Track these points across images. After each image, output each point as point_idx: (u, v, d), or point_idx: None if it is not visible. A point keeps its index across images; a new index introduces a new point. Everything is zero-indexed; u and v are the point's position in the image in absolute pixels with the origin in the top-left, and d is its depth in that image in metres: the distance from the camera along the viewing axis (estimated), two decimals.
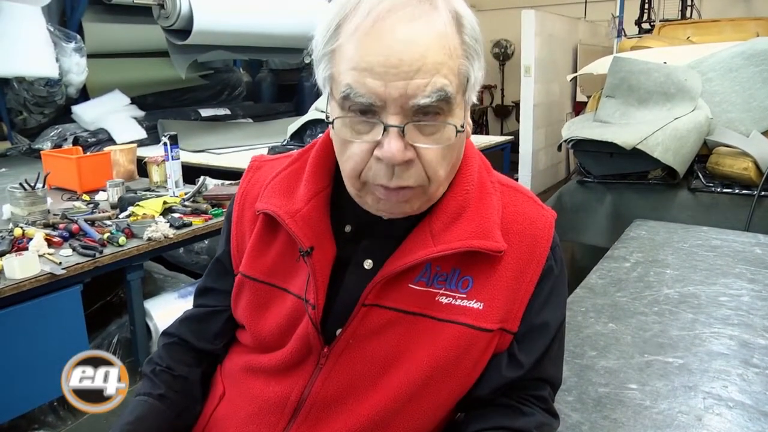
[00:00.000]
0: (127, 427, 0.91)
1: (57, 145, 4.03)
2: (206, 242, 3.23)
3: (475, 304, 0.84)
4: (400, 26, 0.72)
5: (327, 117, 0.81)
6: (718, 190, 3.34)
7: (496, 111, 10.49)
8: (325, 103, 0.83)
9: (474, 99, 0.82)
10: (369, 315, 0.85)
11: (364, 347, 0.85)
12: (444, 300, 0.85)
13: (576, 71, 7.08)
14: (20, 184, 2.42)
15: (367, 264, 0.88)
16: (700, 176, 3.45)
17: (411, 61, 0.71)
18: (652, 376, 1.33)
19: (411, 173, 0.77)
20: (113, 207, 2.63)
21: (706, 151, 3.52)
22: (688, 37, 6.04)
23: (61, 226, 2.25)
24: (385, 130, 0.74)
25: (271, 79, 6.06)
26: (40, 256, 1.98)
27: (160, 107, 4.90)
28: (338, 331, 0.86)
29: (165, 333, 1.07)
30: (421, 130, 0.76)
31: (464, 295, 0.85)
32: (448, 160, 0.80)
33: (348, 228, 0.90)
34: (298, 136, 3.61)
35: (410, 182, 0.78)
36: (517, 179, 6.33)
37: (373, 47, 0.72)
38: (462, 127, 0.79)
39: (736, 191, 3.28)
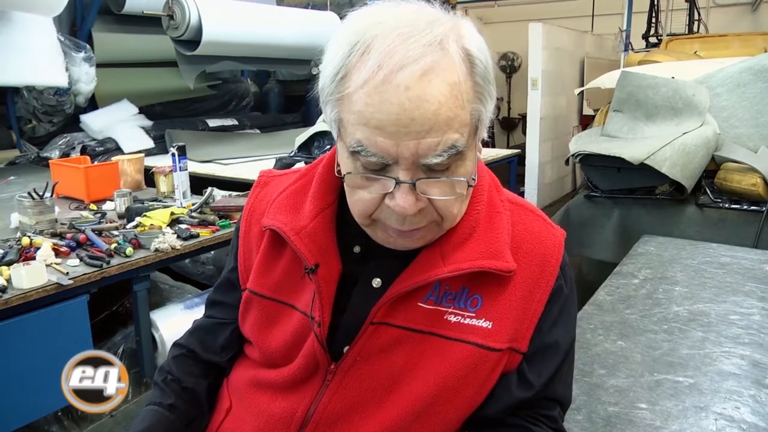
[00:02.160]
0: None
1: (65, 154, 4.05)
2: (212, 253, 3.23)
3: (483, 323, 0.84)
4: (412, 82, 0.70)
5: (338, 171, 0.82)
6: (726, 206, 3.33)
7: (502, 124, 10.50)
8: (331, 128, 0.83)
9: (485, 134, 0.82)
10: (377, 333, 0.84)
11: (372, 365, 0.85)
12: (453, 318, 0.84)
13: (583, 84, 7.09)
14: (29, 193, 2.43)
15: (376, 282, 0.88)
16: (708, 192, 3.44)
17: (423, 120, 0.70)
18: (662, 395, 1.31)
19: (423, 217, 0.79)
20: (120, 217, 2.64)
21: (714, 166, 3.51)
22: (695, 52, 6.05)
23: (68, 235, 2.25)
24: (396, 184, 0.75)
25: (278, 90, 6.09)
26: (47, 265, 1.98)
27: (167, 117, 4.93)
28: (345, 349, 0.86)
29: (175, 344, 1.08)
30: (433, 181, 0.76)
31: (473, 314, 0.84)
32: (460, 201, 0.81)
33: (357, 249, 0.90)
34: (306, 147, 3.61)
35: (423, 224, 0.80)
36: (523, 192, 6.33)
37: (383, 105, 0.70)
38: (474, 179, 0.80)
39: (745, 207, 3.26)
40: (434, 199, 0.77)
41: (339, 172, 0.81)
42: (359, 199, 0.79)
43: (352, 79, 0.73)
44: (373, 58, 0.71)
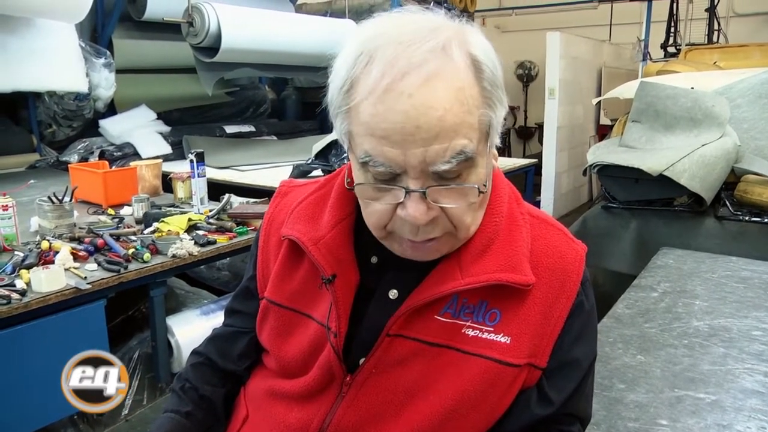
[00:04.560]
0: None
1: (84, 158, 4.09)
2: (227, 259, 3.24)
3: (502, 338, 0.83)
4: (415, 89, 0.69)
5: (348, 184, 0.82)
6: (746, 218, 3.29)
7: (518, 133, 10.47)
8: (342, 142, 0.82)
9: (497, 141, 0.81)
10: (393, 345, 0.84)
11: (388, 377, 0.85)
12: (470, 333, 0.83)
13: (600, 94, 7.06)
14: (48, 197, 2.45)
15: (392, 294, 0.87)
16: (728, 204, 3.40)
17: (429, 127, 0.70)
18: (683, 412, 1.29)
19: (436, 227, 0.78)
20: (138, 222, 2.65)
21: (733, 178, 3.47)
22: (714, 62, 6.00)
23: (86, 240, 2.27)
24: (407, 193, 0.74)
25: (295, 97, 6.10)
26: (66, 269, 2.00)
27: (185, 123, 4.96)
28: (361, 360, 0.86)
29: (194, 352, 1.09)
30: (444, 189, 0.75)
31: (491, 329, 0.83)
32: (473, 209, 0.80)
33: (374, 259, 0.90)
34: (323, 155, 3.61)
35: (436, 234, 0.78)
36: (539, 202, 6.30)
37: (388, 114, 0.70)
38: (485, 185, 0.78)
39: (766, 220, 3.22)
40: (446, 208, 0.76)
41: (350, 184, 0.81)
42: (373, 211, 0.79)
43: (357, 90, 0.73)
44: (376, 68, 0.71)
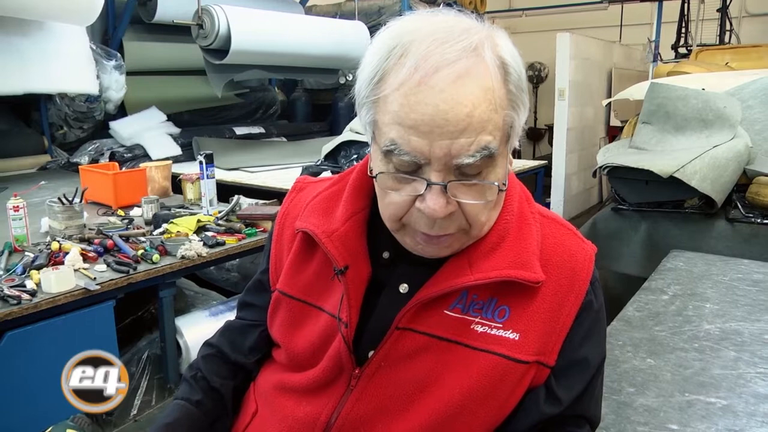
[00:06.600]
0: (164, 428, 0.94)
1: (94, 160, 4.11)
2: (237, 260, 3.25)
3: (511, 335, 0.83)
4: (447, 85, 0.71)
5: (370, 171, 0.82)
6: (758, 220, 3.26)
7: (528, 134, 10.43)
8: (365, 131, 0.84)
9: (516, 144, 0.83)
10: (402, 338, 0.84)
11: (396, 371, 0.85)
12: (479, 328, 0.84)
13: (611, 95, 7.03)
14: (59, 198, 2.47)
15: (403, 288, 0.88)
16: (739, 206, 3.37)
17: (457, 121, 0.71)
18: (694, 417, 1.28)
19: (452, 222, 0.79)
20: (147, 223, 2.66)
21: (745, 180, 3.44)
22: (726, 63, 5.96)
23: (96, 241, 2.28)
24: (428, 185, 0.75)
25: (305, 99, 6.12)
26: (75, 270, 2.01)
27: (195, 125, 4.99)
28: (370, 353, 0.86)
29: (206, 343, 1.10)
30: (464, 185, 0.77)
31: (500, 325, 0.84)
32: (489, 208, 0.81)
33: (386, 254, 0.91)
34: (333, 156, 3.62)
35: (451, 230, 0.80)
36: (549, 204, 6.28)
37: (418, 106, 0.72)
38: (504, 184, 0.80)
39: None
40: (464, 203, 0.77)
41: (371, 171, 0.82)
42: (390, 202, 0.80)
43: (388, 81, 0.75)
44: (410, 61, 0.72)
